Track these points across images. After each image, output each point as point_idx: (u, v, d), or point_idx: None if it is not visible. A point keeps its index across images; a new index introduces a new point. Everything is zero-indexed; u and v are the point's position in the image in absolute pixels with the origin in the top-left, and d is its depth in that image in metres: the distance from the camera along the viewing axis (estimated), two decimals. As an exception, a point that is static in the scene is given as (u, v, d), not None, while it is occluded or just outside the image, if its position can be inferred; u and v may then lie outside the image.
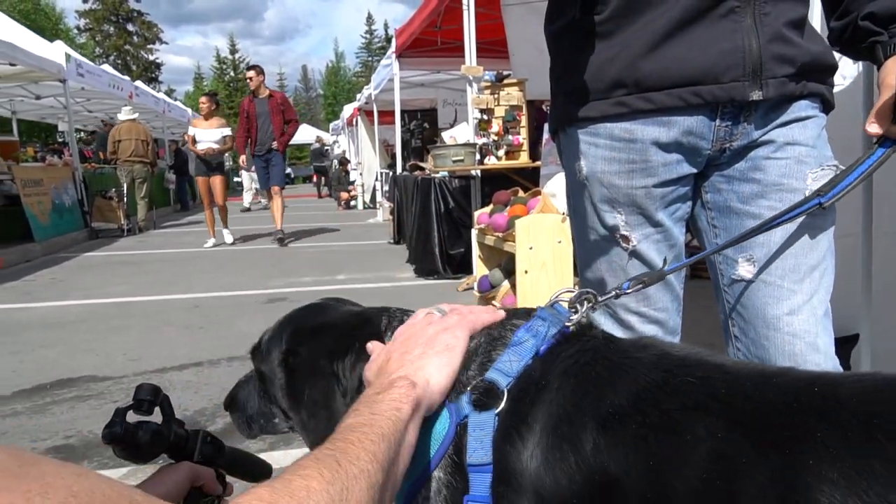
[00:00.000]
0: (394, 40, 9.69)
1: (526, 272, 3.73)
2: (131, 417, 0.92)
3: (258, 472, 1.08)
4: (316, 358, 0.96)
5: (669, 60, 1.19)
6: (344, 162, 18.14)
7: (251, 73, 8.93)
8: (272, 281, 6.20)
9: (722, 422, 0.63)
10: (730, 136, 1.24)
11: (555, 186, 4.11)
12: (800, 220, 1.20)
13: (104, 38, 44.25)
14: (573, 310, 0.92)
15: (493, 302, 4.12)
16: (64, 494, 0.41)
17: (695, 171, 1.29)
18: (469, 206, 6.02)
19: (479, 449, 0.76)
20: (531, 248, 3.71)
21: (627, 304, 1.35)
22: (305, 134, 41.69)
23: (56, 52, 10.81)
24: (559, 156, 1.46)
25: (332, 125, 30.73)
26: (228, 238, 9.21)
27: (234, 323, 4.62)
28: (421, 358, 0.83)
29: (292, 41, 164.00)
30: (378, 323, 0.99)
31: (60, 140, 17.24)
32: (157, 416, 0.96)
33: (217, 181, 9.01)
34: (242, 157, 9.05)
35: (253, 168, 9.36)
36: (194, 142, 9.00)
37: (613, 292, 1.05)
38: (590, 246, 1.39)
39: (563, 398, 0.75)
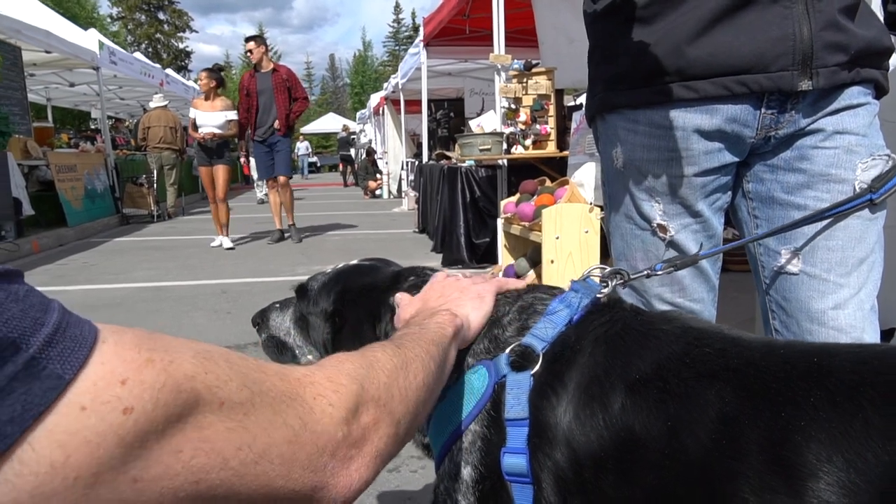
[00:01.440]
0: (421, 29, 9.66)
1: (552, 262, 3.70)
2: None
3: None
4: (360, 322, 1.05)
5: (715, 47, 1.15)
6: (371, 152, 18.17)
7: (251, 45, 7.68)
8: (298, 268, 6.26)
9: (730, 388, 0.70)
10: (776, 124, 1.20)
11: (582, 176, 4.06)
12: (825, 207, 1.16)
13: (136, 27, 44.82)
14: (604, 284, 0.96)
15: (519, 292, 4.10)
16: (191, 353, 0.48)
17: (737, 159, 1.25)
18: (495, 196, 6.00)
19: (517, 405, 0.82)
20: (558, 238, 3.68)
21: (662, 294, 1.32)
22: (332, 123, 41.91)
23: (90, 39, 10.99)
24: (596, 143, 1.44)
25: (358, 114, 30.82)
26: (227, 243, 7.65)
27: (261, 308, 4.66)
28: (458, 300, 0.94)
29: (320, 30, 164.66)
30: (404, 282, 1.07)
31: (93, 127, 17.53)
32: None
33: (220, 171, 7.69)
34: (241, 143, 8.00)
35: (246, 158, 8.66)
36: (195, 126, 7.70)
37: (645, 271, 1.04)
38: (626, 235, 1.37)
39: (594, 362, 0.81)
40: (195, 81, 8.30)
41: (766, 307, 1.31)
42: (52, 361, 0.40)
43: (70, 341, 0.41)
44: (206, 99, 7.80)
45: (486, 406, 0.86)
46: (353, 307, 1.07)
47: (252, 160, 8.59)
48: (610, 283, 0.96)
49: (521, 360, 0.86)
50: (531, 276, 4.10)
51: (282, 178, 7.88)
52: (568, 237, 3.68)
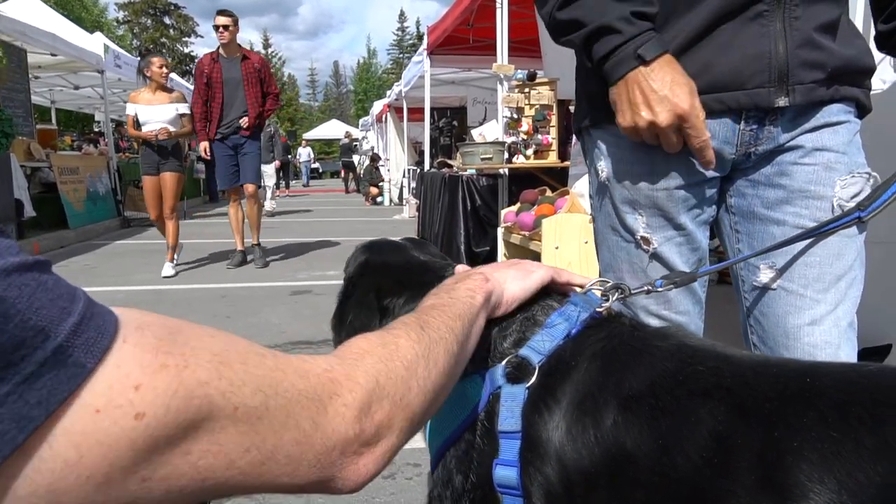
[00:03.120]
0: (425, 37, 9.70)
1: (551, 272, 3.71)
2: None
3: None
4: (367, 291, 1.06)
5: (694, 66, 1.16)
6: (375, 158, 18.21)
7: (225, 20, 6.14)
8: (298, 273, 6.26)
9: (723, 406, 0.70)
10: (755, 140, 1.21)
11: (583, 186, 4.08)
12: (815, 225, 1.16)
13: (142, 31, 45.03)
14: (604, 298, 0.96)
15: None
16: (208, 354, 0.48)
17: (717, 174, 1.27)
18: (496, 205, 6.02)
19: (511, 417, 0.82)
20: (557, 248, 3.70)
21: (648, 307, 1.33)
22: (335, 129, 42.04)
23: (95, 43, 11.05)
24: (583, 156, 1.45)
25: (361, 121, 30.91)
26: (168, 270, 6.09)
27: (260, 312, 4.67)
28: (501, 269, 0.94)
29: (325, 37, 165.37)
30: (440, 276, 1.05)
31: (97, 130, 17.59)
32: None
33: (168, 179, 6.07)
34: (203, 145, 6.32)
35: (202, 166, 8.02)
36: (136, 124, 6.13)
37: (646, 287, 1.05)
38: (612, 246, 1.38)
39: (588, 378, 0.82)
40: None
41: (745, 322, 1.32)
42: (77, 349, 0.41)
43: (94, 331, 0.43)
44: (152, 91, 6.19)
45: (479, 416, 0.86)
46: (365, 279, 1.09)
47: (202, 166, 8.12)
48: (610, 297, 0.96)
49: (518, 372, 0.86)
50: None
51: (249, 188, 6.46)
52: (567, 247, 3.69)
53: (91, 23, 31.12)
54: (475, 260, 6.17)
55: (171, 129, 6.11)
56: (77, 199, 9.49)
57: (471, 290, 0.84)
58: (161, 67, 6.17)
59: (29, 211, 8.07)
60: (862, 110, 1.25)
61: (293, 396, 0.52)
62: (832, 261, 1.19)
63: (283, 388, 0.52)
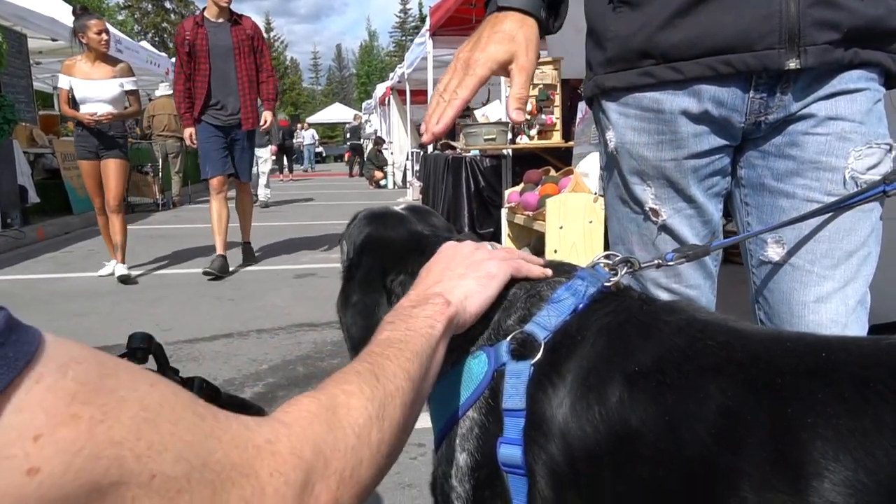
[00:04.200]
0: (428, 18, 9.61)
1: (555, 252, 3.68)
2: None
3: (252, 414, 1.11)
4: (370, 271, 1.03)
5: (699, 27, 1.13)
6: (379, 142, 18.14)
7: None
8: (302, 257, 6.26)
9: (732, 382, 0.68)
10: (765, 108, 1.17)
11: (587, 166, 4.04)
12: (836, 199, 1.12)
13: (143, 16, 44.78)
14: (612, 272, 0.93)
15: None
16: (135, 409, 0.43)
17: (727, 143, 1.23)
18: (499, 186, 5.99)
19: (515, 395, 0.80)
20: (561, 228, 3.67)
21: (658, 280, 1.32)
22: (338, 113, 41.86)
23: (95, 27, 10.96)
24: (595, 126, 1.43)
25: (364, 104, 30.78)
26: (120, 269, 5.21)
27: (265, 296, 4.67)
28: (462, 278, 0.87)
29: (328, 19, 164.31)
30: (430, 254, 1.01)
31: (99, 116, 17.51)
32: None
33: (112, 168, 5.10)
34: (188, 132, 5.36)
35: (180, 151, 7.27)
36: (71, 101, 5.09)
37: (656, 261, 1.02)
38: (622, 218, 1.36)
39: (594, 353, 0.79)
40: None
41: (753, 298, 1.29)
42: None
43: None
44: (91, 61, 5.08)
45: (484, 393, 0.85)
46: (368, 257, 1.06)
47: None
48: (619, 271, 0.93)
49: (523, 348, 0.84)
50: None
51: (241, 185, 5.81)
52: (572, 227, 3.67)
53: (92, 7, 30.91)
54: (481, 241, 6.14)
55: (112, 109, 5.04)
56: (81, 184, 9.42)
57: (430, 319, 0.77)
58: (100, 34, 4.96)
59: (33, 197, 8.08)
60: (890, 78, 1.18)
61: (224, 470, 0.46)
62: (843, 236, 1.15)
63: (213, 458, 0.46)
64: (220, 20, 5.25)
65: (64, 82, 5.11)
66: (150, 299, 4.66)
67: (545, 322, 0.85)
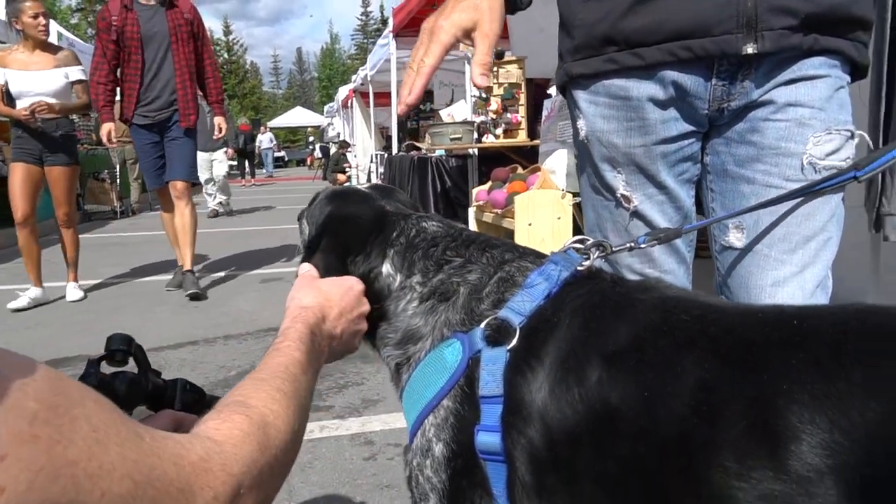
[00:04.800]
0: (391, 19, 9.57)
1: (525, 249, 3.69)
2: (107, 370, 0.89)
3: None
4: (331, 251, 1.02)
5: (660, 14, 1.14)
6: (345, 145, 17.99)
7: None
8: (267, 261, 6.16)
9: (708, 354, 0.68)
10: (727, 95, 1.18)
11: (554, 163, 4.06)
12: (794, 186, 1.12)
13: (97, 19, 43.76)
14: (585, 256, 0.92)
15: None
16: (86, 429, 0.45)
17: (694, 129, 1.24)
18: (466, 185, 5.99)
19: (492, 381, 0.80)
20: (530, 225, 3.68)
21: (632, 266, 1.32)
22: (299, 117, 41.47)
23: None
24: (569, 114, 1.43)
25: (326, 108, 30.54)
26: (74, 293, 4.74)
27: (230, 302, 4.58)
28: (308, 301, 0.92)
29: (287, 22, 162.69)
30: (391, 233, 1.02)
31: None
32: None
33: (58, 177, 4.46)
34: (106, 128, 4.59)
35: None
36: (6, 97, 4.30)
37: (628, 244, 1.02)
38: (596, 206, 1.37)
39: (571, 336, 0.79)
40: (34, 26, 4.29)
41: (718, 284, 1.31)
42: None
43: None
44: (30, 50, 4.35)
45: (459, 381, 0.83)
46: (328, 237, 1.04)
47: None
48: (591, 254, 0.93)
49: (498, 334, 0.83)
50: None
51: (179, 185, 4.62)
52: (540, 224, 3.67)
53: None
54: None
55: (53, 101, 4.26)
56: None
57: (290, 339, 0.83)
58: (36, 17, 4.25)
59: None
60: (854, 66, 1.19)
61: (163, 487, 0.50)
62: (801, 220, 1.16)
63: (154, 475, 0.49)
64: (152, 2, 4.43)
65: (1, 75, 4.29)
66: (110, 308, 4.53)
67: (519, 307, 0.84)
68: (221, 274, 5.63)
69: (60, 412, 0.43)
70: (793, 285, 1.17)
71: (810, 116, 1.15)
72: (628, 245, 1.02)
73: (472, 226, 4.68)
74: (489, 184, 4.29)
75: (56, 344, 3.64)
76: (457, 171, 6.09)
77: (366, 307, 0.97)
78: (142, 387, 0.94)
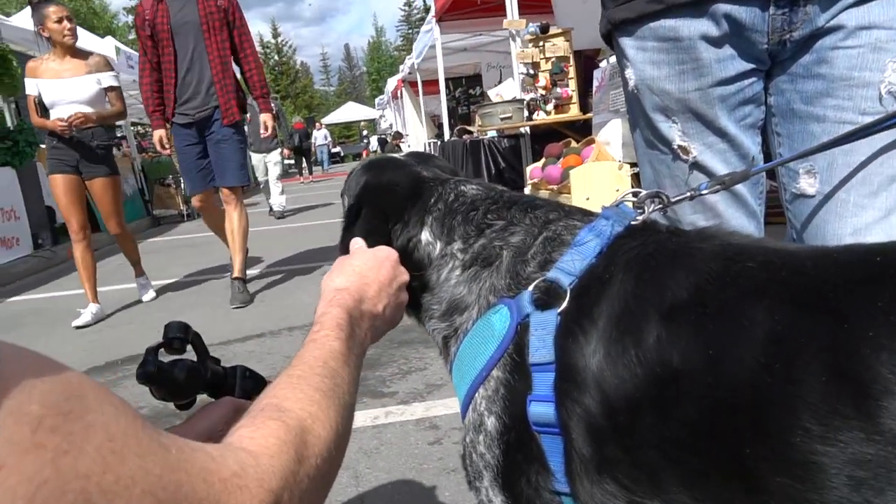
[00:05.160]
0: (433, 6, 9.52)
1: (583, 224, 3.61)
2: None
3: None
4: (373, 217, 0.99)
5: None
6: (398, 136, 18.07)
7: None
8: (325, 255, 6.24)
9: (779, 303, 0.62)
10: (788, 24, 1.07)
11: (609, 134, 3.94)
12: (872, 120, 1.01)
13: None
14: (639, 210, 0.86)
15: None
16: (101, 438, 0.40)
17: (754, 66, 1.14)
18: (520, 165, 5.91)
19: (542, 348, 0.75)
20: (588, 199, 3.58)
21: (696, 223, 1.24)
22: (353, 112, 41.93)
23: (107, 46, 11.09)
24: (618, 65, 1.36)
25: (377, 100, 30.76)
26: (147, 294, 4.81)
27: (293, 295, 4.66)
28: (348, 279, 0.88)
29: (333, 20, 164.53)
30: (428, 199, 0.98)
31: (120, 135, 17.80)
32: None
33: (101, 189, 4.34)
34: (157, 135, 4.46)
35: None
36: (40, 107, 4.20)
37: (689, 192, 0.95)
38: (650, 160, 1.30)
39: (625, 292, 0.73)
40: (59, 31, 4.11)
41: (790, 236, 1.22)
42: None
43: None
44: (60, 57, 4.18)
45: (508, 349, 0.79)
46: (367, 205, 1.01)
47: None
48: (646, 208, 0.86)
49: (547, 297, 0.78)
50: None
51: (226, 191, 4.45)
52: (599, 197, 3.58)
53: (103, 28, 31.39)
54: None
55: (89, 110, 4.07)
56: (106, 202, 9.59)
57: (338, 345, 0.76)
58: (61, 22, 4.03)
59: (61, 217, 8.18)
60: None
61: None
62: (883, 159, 1.05)
63: (182, 493, 0.44)
64: None
65: (31, 87, 4.16)
66: (183, 305, 4.69)
67: (569, 267, 0.79)
68: (283, 268, 5.74)
69: (72, 418, 0.39)
70: (877, 233, 1.07)
71: (887, 39, 1.04)
72: (689, 193, 0.95)
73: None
74: (542, 161, 4.21)
75: (135, 341, 3.78)
76: (510, 152, 6.01)
77: (405, 276, 0.93)
78: (201, 374, 0.94)
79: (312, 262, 5.85)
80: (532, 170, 4.28)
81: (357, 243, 0.95)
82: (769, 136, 1.21)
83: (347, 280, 0.87)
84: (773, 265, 0.67)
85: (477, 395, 0.81)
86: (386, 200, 0.99)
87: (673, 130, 1.20)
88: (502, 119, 5.51)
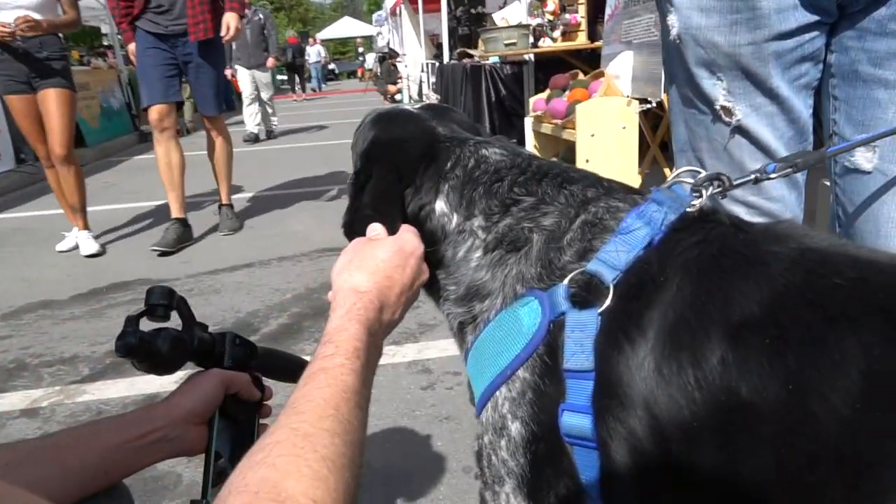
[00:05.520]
0: (437, -85, 8.96)
1: (587, 161, 3.46)
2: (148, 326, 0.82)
3: (295, 370, 0.96)
4: (384, 178, 0.87)
5: None
6: (393, 55, 17.49)
7: None
8: (319, 181, 6.08)
9: (877, 335, 0.51)
10: None
11: (618, 67, 3.74)
12: None
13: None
14: (696, 194, 0.74)
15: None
16: None
17: (818, 18, 0.99)
18: (522, 95, 5.68)
19: (580, 353, 0.65)
20: (593, 136, 3.43)
21: (734, 193, 1.12)
22: (349, 27, 40.48)
23: (87, -54, 10.46)
24: (657, 8, 1.20)
25: (374, 16, 29.63)
26: (88, 246, 3.96)
27: (284, 222, 4.55)
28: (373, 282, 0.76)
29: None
30: (444, 163, 0.85)
31: (106, 43, 17.11)
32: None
33: (52, 101, 3.76)
34: (131, 49, 4.00)
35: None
36: None
37: (753, 175, 0.81)
38: (686, 119, 1.16)
39: (682, 299, 0.62)
40: None
41: (834, 212, 1.10)
42: None
43: None
44: None
45: (538, 349, 0.69)
46: (377, 165, 0.89)
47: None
48: (704, 191, 0.74)
49: (586, 293, 0.67)
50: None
51: (207, 120, 4.30)
52: (604, 134, 3.42)
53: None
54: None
55: (36, 16, 3.58)
56: (91, 115, 9.29)
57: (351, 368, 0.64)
58: None
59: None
60: None
61: None
62: None
63: None
64: None
65: None
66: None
67: (613, 259, 0.68)
68: (271, 194, 5.59)
69: None
70: None
71: None
72: (753, 176, 0.81)
73: (529, 137, 4.43)
74: (547, 92, 4.02)
75: (117, 267, 3.68)
76: (512, 79, 5.76)
77: (426, 275, 0.82)
78: (186, 343, 0.87)
79: (305, 188, 5.70)
80: (535, 101, 4.08)
81: (375, 229, 0.83)
82: (823, 99, 1.08)
83: (369, 280, 0.75)
84: (867, 284, 0.56)
85: (498, 393, 0.72)
86: (398, 158, 0.87)
87: (717, 89, 1.07)
88: (506, 45, 5.23)
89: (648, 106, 3.53)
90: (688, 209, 0.71)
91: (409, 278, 0.78)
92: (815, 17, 0.99)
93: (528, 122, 4.47)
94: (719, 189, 0.76)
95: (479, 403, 0.76)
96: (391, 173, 0.86)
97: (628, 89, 3.59)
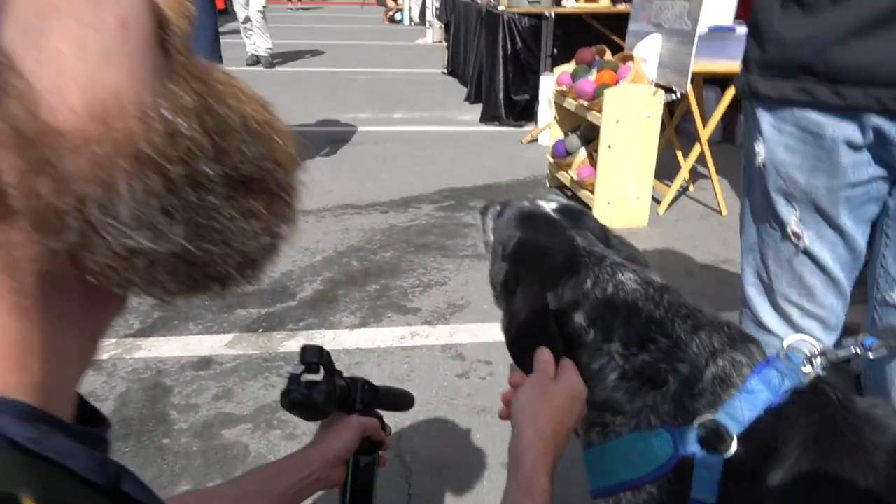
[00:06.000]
0: None
1: (609, 147, 3.58)
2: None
3: (406, 403, 1.16)
4: (530, 286, 0.97)
5: (873, 53, 1.02)
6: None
7: None
8: (329, 114, 6.07)
9: None
10: None
11: (646, 50, 3.79)
12: None
13: None
14: (807, 362, 0.89)
15: (570, 171, 4.02)
16: None
17: (886, 173, 1.14)
18: (538, 49, 5.66)
19: (706, 489, 0.82)
20: (618, 122, 3.53)
21: (789, 295, 1.29)
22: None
23: None
24: (745, 126, 1.33)
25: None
26: None
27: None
28: (547, 420, 0.85)
29: None
30: (584, 280, 0.97)
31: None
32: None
33: None
34: None
35: None
36: None
37: (853, 349, 0.94)
38: (758, 227, 1.32)
39: (799, 474, 0.78)
40: None
41: (868, 328, 1.24)
42: None
43: None
44: None
45: (668, 475, 0.85)
46: (525, 271, 0.99)
47: None
48: (814, 361, 0.89)
49: (713, 439, 0.83)
50: (582, 155, 3.99)
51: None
52: (629, 122, 3.53)
53: None
54: (513, 108, 5.94)
55: None
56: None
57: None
58: None
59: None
60: None
61: None
62: None
63: None
64: None
65: None
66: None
67: (737, 414, 0.83)
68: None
69: None
70: None
71: None
72: (854, 350, 0.95)
73: (550, 108, 4.47)
74: (573, 66, 4.06)
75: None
76: (529, 33, 5.71)
77: (584, 413, 0.93)
78: (334, 396, 1.01)
79: (313, 128, 5.69)
80: (561, 74, 4.12)
81: (544, 357, 0.92)
82: (876, 233, 1.22)
83: (552, 426, 0.84)
84: None
85: (623, 495, 0.88)
86: (542, 266, 0.98)
87: (790, 215, 1.21)
88: (531, 2, 5.19)
89: (674, 97, 3.63)
90: (802, 378, 0.86)
91: (575, 421, 0.89)
92: (883, 172, 1.13)
93: (548, 87, 4.52)
94: (827, 362, 0.90)
95: (599, 490, 0.92)
96: (537, 284, 0.97)
97: (654, 75, 3.66)
